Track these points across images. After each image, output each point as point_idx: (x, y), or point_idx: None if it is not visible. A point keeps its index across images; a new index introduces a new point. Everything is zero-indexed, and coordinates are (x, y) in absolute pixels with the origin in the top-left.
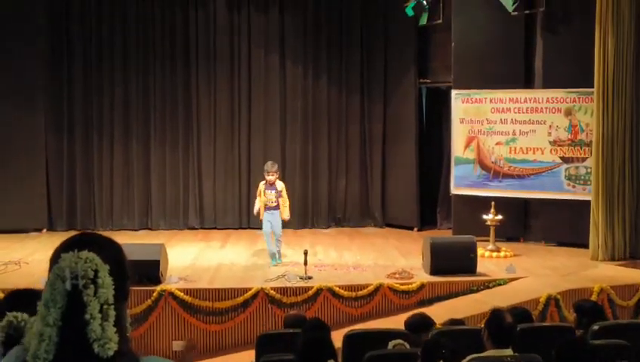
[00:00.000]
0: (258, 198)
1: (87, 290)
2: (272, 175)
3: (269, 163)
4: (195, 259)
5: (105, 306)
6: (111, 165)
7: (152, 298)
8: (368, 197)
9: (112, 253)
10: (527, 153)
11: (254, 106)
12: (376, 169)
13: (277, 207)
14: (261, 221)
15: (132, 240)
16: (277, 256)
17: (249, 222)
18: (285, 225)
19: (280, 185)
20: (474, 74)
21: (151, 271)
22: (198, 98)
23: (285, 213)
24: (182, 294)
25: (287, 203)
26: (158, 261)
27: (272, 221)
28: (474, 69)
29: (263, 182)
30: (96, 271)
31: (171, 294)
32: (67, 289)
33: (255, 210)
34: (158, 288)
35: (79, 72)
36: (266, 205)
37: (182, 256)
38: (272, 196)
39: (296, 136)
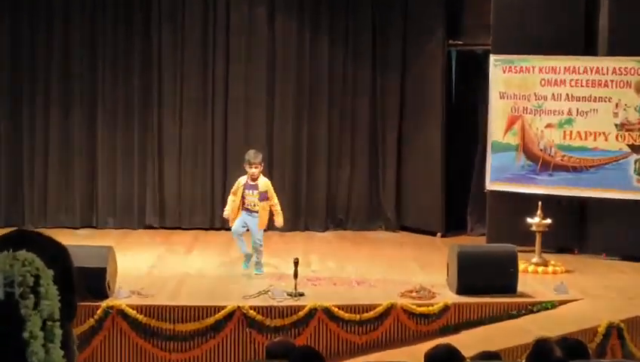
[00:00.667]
0: (231, 198)
1: (25, 301)
2: (256, 167)
3: (252, 151)
4: (152, 267)
5: (49, 323)
6: (45, 144)
7: (96, 316)
8: (379, 192)
9: (57, 255)
10: (586, 139)
11: (233, 75)
12: (390, 156)
13: (257, 211)
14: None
15: (71, 242)
16: (248, 258)
17: (223, 221)
18: (272, 225)
19: (264, 184)
20: (519, 35)
21: (95, 281)
22: (160, 64)
23: (279, 219)
24: (134, 312)
25: (279, 206)
26: (105, 269)
27: (248, 223)
28: (519, 29)
29: (244, 177)
30: (37, 277)
31: (121, 312)
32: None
33: (225, 213)
34: (104, 304)
35: (5, 23)
36: (244, 207)
37: (135, 262)
38: (253, 199)
39: (287, 114)
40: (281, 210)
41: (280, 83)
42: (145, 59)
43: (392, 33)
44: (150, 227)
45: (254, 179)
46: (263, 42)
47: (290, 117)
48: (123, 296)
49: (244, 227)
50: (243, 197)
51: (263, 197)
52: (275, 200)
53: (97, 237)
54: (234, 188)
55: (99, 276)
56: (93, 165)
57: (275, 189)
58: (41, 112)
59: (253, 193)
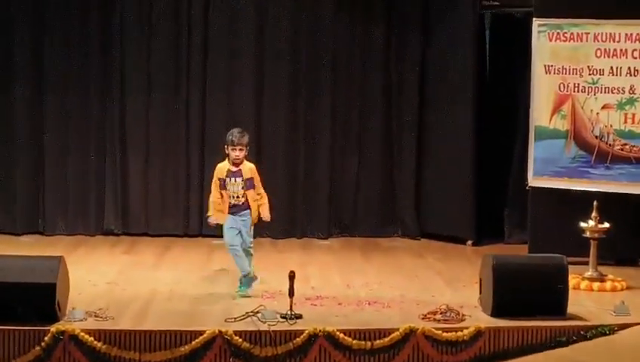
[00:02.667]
0: (213, 194)
1: None
2: (240, 150)
3: (236, 130)
4: (113, 282)
5: None
6: None
7: (43, 344)
8: (394, 190)
9: None
10: None
11: (213, 44)
12: (408, 145)
13: (246, 206)
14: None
15: (11, 251)
16: (247, 279)
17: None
18: (261, 229)
19: (249, 169)
20: None
21: (41, 300)
22: (122, 37)
23: (265, 210)
24: (91, 339)
25: (265, 196)
26: (54, 285)
27: (240, 227)
28: None
29: (224, 163)
30: None
31: (74, 338)
32: None
33: (211, 219)
34: (53, 328)
35: None
36: (229, 204)
37: (92, 277)
38: (237, 188)
39: (280, 95)
40: (272, 209)
41: (270, 54)
42: (103, 30)
43: None
44: (110, 233)
45: (237, 165)
46: (250, 8)
47: (284, 98)
48: (77, 318)
49: (234, 229)
50: (223, 189)
51: (250, 185)
52: (261, 188)
53: (45, 245)
54: (213, 181)
55: (46, 294)
56: (38, 157)
57: (265, 188)
58: None
59: (235, 181)
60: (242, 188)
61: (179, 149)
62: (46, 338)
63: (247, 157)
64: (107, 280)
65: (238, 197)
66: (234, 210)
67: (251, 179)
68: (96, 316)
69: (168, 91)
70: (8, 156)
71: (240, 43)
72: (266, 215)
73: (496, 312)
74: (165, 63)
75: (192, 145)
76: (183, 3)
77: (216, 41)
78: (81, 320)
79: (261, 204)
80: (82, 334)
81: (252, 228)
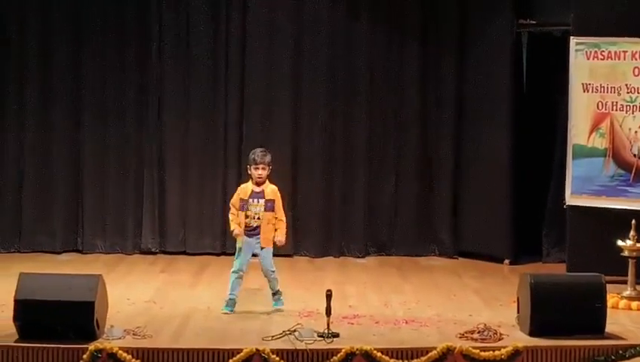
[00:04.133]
0: (233, 208)
1: None
2: (262, 169)
3: (258, 150)
4: (150, 301)
5: None
6: (20, 150)
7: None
8: (431, 208)
9: None
10: None
11: (250, 68)
12: (445, 164)
13: (257, 230)
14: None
15: (50, 269)
16: (273, 297)
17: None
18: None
19: (271, 190)
20: (607, 13)
21: (80, 318)
22: (161, 55)
23: (280, 234)
24: (129, 357)
25: (284, 222)
26: (92, 303)
27: (257, 248)
28: (607, 5)
29: (247, 184)
30: None
31: (112, 356)
32: None
33: (235, 230)
34: (92, 346)
35: None
36: (246, 225)
37: (130, 295)
38: (259, 209)
39: (317, 114)
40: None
41: (308, 75)
42: (142, 48)
43: (447, 11)
44: (148, 252)
45: (259, 184)
46: (287, 25)
47: (321, 117)
48: (115, 336)
49: (249, 250)
50: (245, 210)
51: (269, 207)
52: (281, 212)
53: (83, 263)
54: (235, 197)
55: (85, 312)
56: (77, 175)
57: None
58: (14, 114)
59: (258, 202)
60: (263, 209)
61: (216, 169)
62: (84, 356)
63: (270, 179)
64: (145, 298)
65: (259, 218)
66: (252, 232)
67: (272, 201)
68: (134, 334)
69: (206, 111)
70: (48, 176)
71: (276, 61)
72: (280, 239)
73: (534, 331)
74: (203, 82)
75: (229, 164)
76: (220, 24)
77: (254, 61)
78: (120, 338)
79: (278, 228)
80: (120, 352)
81: (270, 252)
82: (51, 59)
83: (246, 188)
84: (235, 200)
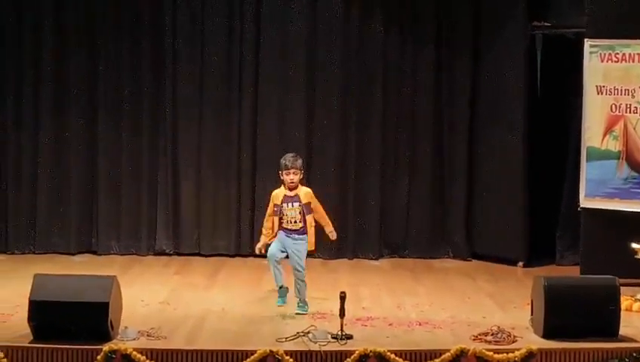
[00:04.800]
0: (267, 222)
1: None
2: (295, 173)
3: (289, 155)
4: (165, 302)
5: None
6: (34, 152)
7: None
8: (444, 210)
9: None
10: None
11: (264, 62)
12: (459, 166)
13: (303, 231)
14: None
15: (65, 270)
16: (284, 292)
17: (252, 246)
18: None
19: (306, 193)
20: (621, 15)
21: (94, 319)
22: (175, 56)
23: (330, 229)
24: (143, 358)
25: (326, 216)
26: (107, 304)
27: (287, 247)
28: (621, 7)
29: (280, 189)
30: None
31: (126, 357)
32: None
33: (258, 246)
34: (106, 347)
35: None
36: (282, 227)
37: (144, 296)
38: (294, 213)
39: (331, 116)
40: (325, 233)
41: (321, 71)
42: (156, 50)
43: (461, 13)
44: (162, 253)
45: (292, 189)
46: (300, 27)
47: (334, 119)
48: (129, 337)
49: (283, 251)
50: (281, 215)
51: (308, 210)
52: (321, 209)
53: (98, 264)
54: (269, 207)
55: (100, 313)
56: (92, 177)
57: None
58: (30, 114)
59: (293, 206)
60: (300, 213)
61: (230, 171)
62: (99, 357)
63: (302, 182)
64: (159, 299)
65: (295, 222)
66: (287, 232)
67: (309, 204)
68: (148, 335)
69: (220, 112)
70: (63, 178)
71: (291, 66)
72: (332, 233)
73: (548, 334)
74: (217, 84)
75: (243, 166)
76: (235, 29)
77: (268, 64)
78: (134, 339)
79: (325, 223)
80: (134, 353)
81: (303, 257)
82: (66, 61)
83: (278, 194)
84: (270, 210)
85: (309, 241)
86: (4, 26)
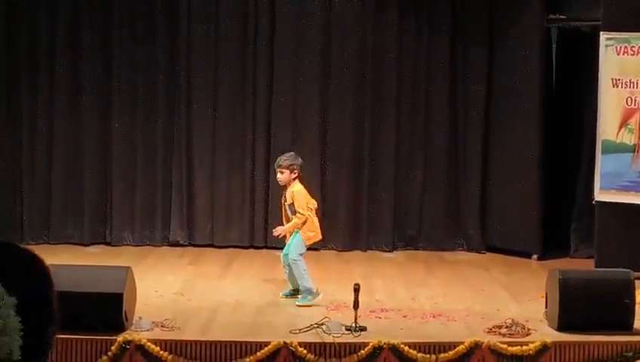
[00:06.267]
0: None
1: None
2: (280, 172)
3: (283, 155)
4: (179, 293)
5: None
6: (49, 142)
7: (110, 353)
8: (459, 203)
9: (26, 277)
10: None
11: (279, 54)
12: (473, 158)
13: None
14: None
15: (79, 261)
16: (294, 292)
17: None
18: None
19: (290, 194)
20: (637, 7)
21: (109, 310)
22: (190, 46)
23: (287, 225)
24: (157, 349)
25: (300, 219)
26: (121, 295)
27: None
28: (637, 0)
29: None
30: None
31: (140, 348)
32: None
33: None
34: (120, 338)
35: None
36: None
37: (158, 287)
38: (288, 211)
39: (345, 107)
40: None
41: (337, 64)
42: (170, 41)
43: (475, 5)
44: (176, 244)
45: (283, 188)
46: (316, 12)
47: (349, 111)
48: (143, 328)
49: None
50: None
51: (292, 211)
52: (301, 211)
53: (112, 255)
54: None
55: (114, 303)
56: (106, 168)
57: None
58: (44, 104)
59: (285, 204)
60: (290, 211)
61: (244, 162)
62: (113, 348)
63: (299, 177)
64: (173, 290)
65: (289, 219)
66: None
67: (292, 204)
68: (162, 326)
69: (234, 104)
70: (77, 168)
71: (305, 58)
72: (280, 228)
73: (562, 326)
74: (232, 75)
75: (257, 157)
76: (250, 20)
77: (282, 55)
78: (148, 330)
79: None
80: (149, 344)
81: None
82: (80, 52)
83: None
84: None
85: (308, 232)
86: (20, 14)
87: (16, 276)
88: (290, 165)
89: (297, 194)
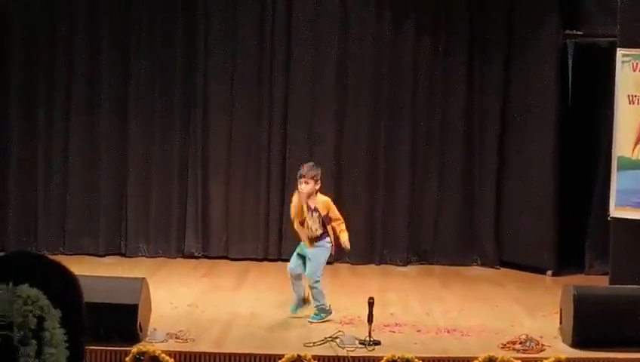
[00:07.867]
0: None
1: (26, 348)
2: (305, 182)
3: (307, 164)
4: (193, 305)
5: None
6: (65, 154)
7: None
8: (473, 218)
9: (66, 290)
10: None
11: (295, 73)
12: (488, 174)
13: (322, 236)
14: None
15: (94, 272)
16: (300, 303)
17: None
18: (340, 255)
19: (323, 204)
20: None
21: (124, 321)
22: (207, 60)
23: (344, 238)
24: (171, 360)
25: (343, 224)
26: (136, 306)
27: (308, 254)
28: None
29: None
30: (40, 319)
31: (155, 359)
32: None
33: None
34: (135, 349)
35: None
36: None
37: (173, 299)
38: (314, 224)
39: (361, 120)
40: (353, 238)
41: (353, 75)
42: (187, 53)
43: (493, 20)
44: (191, 256)
45: (308, 198)
46: (332, 31)
47: (364, 123)
48: (158, 339)
49: (301, 266)
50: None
51: (327, 220)
52: (339, 219)
53: (127, 266)
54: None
55: (129, 314)
56: (121, 180)
57: (344, 214)
58: (60, 117)
59: (312, 216)
60: (319, 222)
61: (260, 174)
62: (127, 359)
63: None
64: (187, 302)
65: (315, 230)
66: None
67: (327, 215)
68: (176, 338)
69: (250, 116)
70: (93, 179)
71: (322, 69)
72: (345, 242)
73: (577, 343)
74: (248, 87)
75: (272, 170)
76: (266, 30)
77: (299, 67)
78: (162, 342)
79: (340, 231)
80: (163, 355)
81: (321, 267)
82: (98, 61)
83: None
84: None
85: (341, 237)
86: (38, 21)
87: (55, 288)
88: (315, 175)
89: (329, 203)
